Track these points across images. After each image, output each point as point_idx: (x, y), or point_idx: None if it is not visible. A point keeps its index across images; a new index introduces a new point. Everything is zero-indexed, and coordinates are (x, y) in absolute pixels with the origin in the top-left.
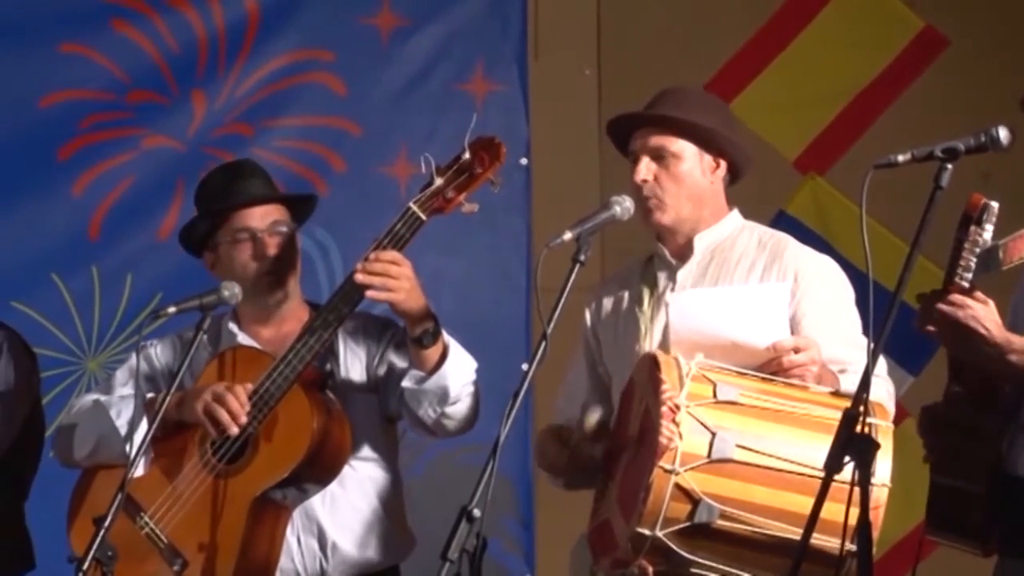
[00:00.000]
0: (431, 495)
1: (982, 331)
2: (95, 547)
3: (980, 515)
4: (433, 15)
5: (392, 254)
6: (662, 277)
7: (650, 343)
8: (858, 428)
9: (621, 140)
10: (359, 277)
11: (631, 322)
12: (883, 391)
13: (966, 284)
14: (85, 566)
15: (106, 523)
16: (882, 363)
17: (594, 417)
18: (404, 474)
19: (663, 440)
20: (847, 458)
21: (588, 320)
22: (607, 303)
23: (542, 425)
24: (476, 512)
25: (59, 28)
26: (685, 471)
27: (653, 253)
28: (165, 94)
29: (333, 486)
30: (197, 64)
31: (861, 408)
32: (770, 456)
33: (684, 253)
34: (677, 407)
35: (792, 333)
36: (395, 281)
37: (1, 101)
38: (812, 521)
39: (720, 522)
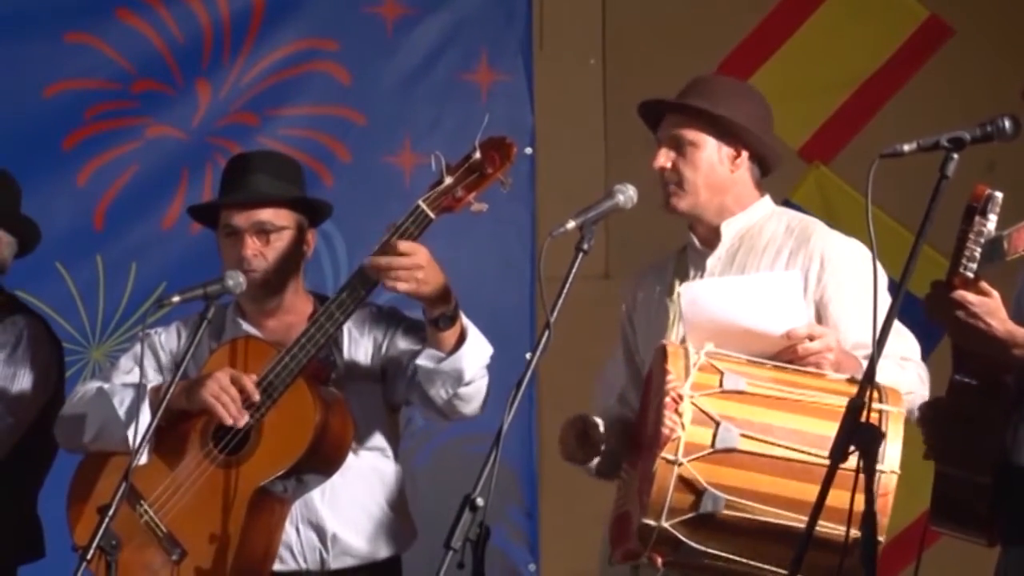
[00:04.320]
0: (437, 484)
1: (982, 327)
2: (99, 536)
3: (985, 506)
4: (438, 4)
5: (405, 244)
6: (692, 266)
7: (677, 333)
8: (864, 416)
9: (654, 125)
10: (370, 270)
11: (662, 312)
12: (914, 375)
13: (971, 275)
14: (89, 555)
15: (110, 512)
16: (916, 347)
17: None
18: (410, 463)
19: (665, 431)
20: (852, 447)
21: (624, 310)
22: (641, 294)
23: (546, 414)
24: (479, 501)
25: (64, 18)
26: (688, 461)
27: (687, 243)
28: (170, 84)
29: (335, 477)
30: (202, 54)
31: (868, 397)
32: (776, 445)
33: (712, 240)
34: (680, 397)
35: (819, 319)
36: (406, 272)
37: (6, 91)
38: (817, 509)
39: (726, 512)
